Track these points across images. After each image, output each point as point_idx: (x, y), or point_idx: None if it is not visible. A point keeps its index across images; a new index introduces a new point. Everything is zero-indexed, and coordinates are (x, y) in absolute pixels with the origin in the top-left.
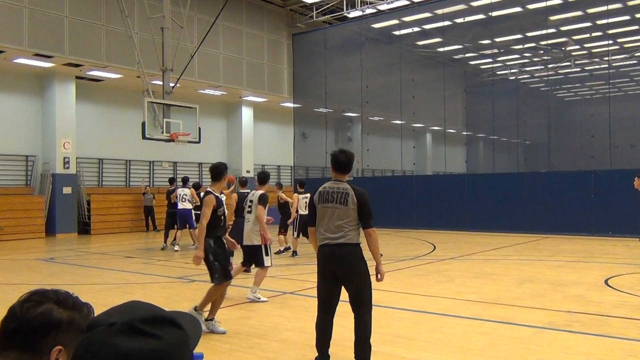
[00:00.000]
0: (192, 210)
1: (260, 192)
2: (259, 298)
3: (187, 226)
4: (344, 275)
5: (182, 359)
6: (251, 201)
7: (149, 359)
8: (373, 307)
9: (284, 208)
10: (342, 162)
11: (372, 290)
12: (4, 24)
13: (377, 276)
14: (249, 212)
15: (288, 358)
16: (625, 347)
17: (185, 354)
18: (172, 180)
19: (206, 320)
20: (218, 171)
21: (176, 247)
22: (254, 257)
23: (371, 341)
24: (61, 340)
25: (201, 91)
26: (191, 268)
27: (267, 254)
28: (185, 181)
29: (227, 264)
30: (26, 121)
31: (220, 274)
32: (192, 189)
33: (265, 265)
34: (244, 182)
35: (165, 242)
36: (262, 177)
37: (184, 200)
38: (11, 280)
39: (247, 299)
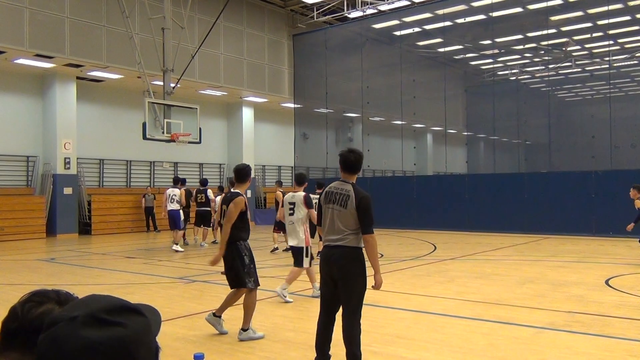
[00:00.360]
0: (181, 212)
1: (302, 193)
2: (285, 297)
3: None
4: (338, 278)
5: (148, 344)
6: (292, 203)
7: (118, 346)
8: (374, 307)
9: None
10: (350, 162)
11: (364, 297)
12: (5, 24)
13: (373, 284)
14: (292, 213)
15: (289, 358)
16: (626, 347)
17: (150, 339)
18: (204, 182)
19: (214, 315)
20: (244, 172)
21: (176, 247)
22: (295, 256)
23: (372, 341)
24: None
25: (202, 91)
26: (192, 269)
27: (306, 255)
28: (176, 182)
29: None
30: (27, 122)
31: (255, 277)
32: (183, 190)
33: (304, 266)
34: (234, 184)
35: (193, 238)
36: (301, 178)
37: (172, 201)
38: (12, 281)
39: (275, 292)
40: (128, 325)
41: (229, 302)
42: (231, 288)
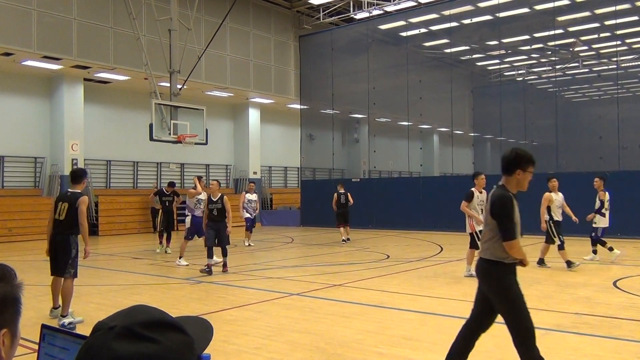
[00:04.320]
0: None
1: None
2: (472, 273)
3: None
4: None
5: None
6: None
7: None
8: (381, 309)
9: (345, 203)
10: (502, 160)
11: (518, 315)
12: (13, 26)
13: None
14: None
15: (294, 359)
16: (634, 349)
17: (188, 358)
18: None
19: (62, 316)
20: (79, 174)
21: None
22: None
23: (378, 343)
24: (1, 322)
25: (208, 93)
26: (198, 269)
27: (478, 239)
28: None
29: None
30: (35, 123)
31: (76, 270)
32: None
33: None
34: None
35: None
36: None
37: None
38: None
39: (465, 275)
40: (162, 342)
41: (55, 291)
42: (52, 275)
